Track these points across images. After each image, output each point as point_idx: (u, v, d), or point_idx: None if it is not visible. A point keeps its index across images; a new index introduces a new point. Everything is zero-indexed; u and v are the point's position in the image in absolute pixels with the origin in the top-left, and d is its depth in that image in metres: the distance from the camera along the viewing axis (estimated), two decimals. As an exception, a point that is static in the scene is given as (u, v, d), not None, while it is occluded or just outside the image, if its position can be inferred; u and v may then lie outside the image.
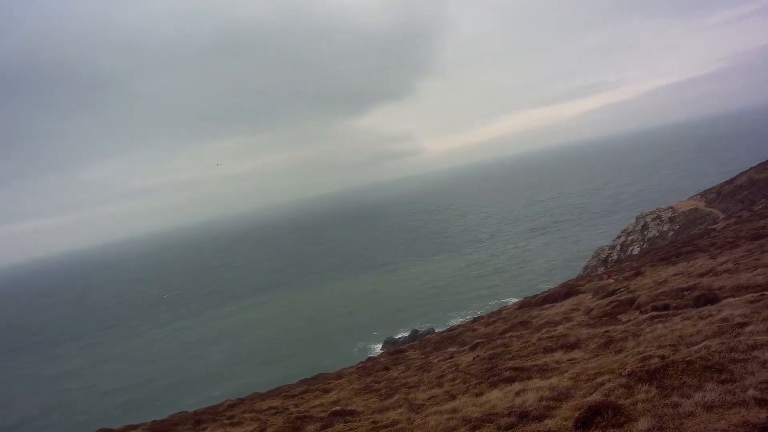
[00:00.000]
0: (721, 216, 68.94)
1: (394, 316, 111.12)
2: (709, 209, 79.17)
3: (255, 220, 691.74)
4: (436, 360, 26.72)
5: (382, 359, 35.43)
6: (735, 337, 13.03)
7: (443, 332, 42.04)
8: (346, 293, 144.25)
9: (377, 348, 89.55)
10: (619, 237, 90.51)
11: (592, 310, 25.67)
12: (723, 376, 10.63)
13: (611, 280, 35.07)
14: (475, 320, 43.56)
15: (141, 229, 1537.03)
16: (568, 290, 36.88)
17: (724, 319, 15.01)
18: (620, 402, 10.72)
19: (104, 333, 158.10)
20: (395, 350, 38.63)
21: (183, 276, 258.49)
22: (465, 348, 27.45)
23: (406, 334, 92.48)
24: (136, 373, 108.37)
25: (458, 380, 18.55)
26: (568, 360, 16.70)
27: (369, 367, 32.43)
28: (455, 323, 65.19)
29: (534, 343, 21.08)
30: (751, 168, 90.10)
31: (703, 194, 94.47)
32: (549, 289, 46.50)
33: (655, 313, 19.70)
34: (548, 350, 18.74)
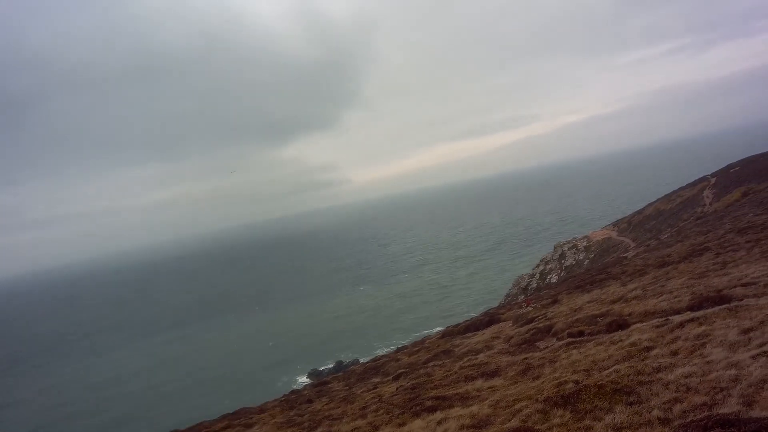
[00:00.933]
0: (632, 244, 72.18)
1: (319, 347, 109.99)
2: (621, 238, 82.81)
3: (174, 252, 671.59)
4: (359, 391, 26.63)
5: (305, 391, 34.97)
6: (642, 360, 13.69)
7: (367, 363, 41.94)
8: (269, 326, 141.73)
9: (302, 380, 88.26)
10: (538, 266, 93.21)
11: (512, 337, 26.28)
12: (631, 398, 11.14)
13: (530, 308, 36.05)
14: (399, 350, 43.70)
15: (49, 260, 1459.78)
16: (489, 318, 37.61)
17: (632, 344, 15.73)
18: (537, 427, 11.06)
19: (4, 375, 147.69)
20: (319, 382, 38.20)
21: (96, 310, 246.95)
22: (389, 378, 27.50)
23: (330, 366, 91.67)
24: (42, 417, 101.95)
25: (381, 411, 18.58)
26: (489, 388, 17.04)
27: (292, 400, 31.94)
28: (380, 353, 65.15)
29: (456, 372, 21.38)
30: (657, 199, 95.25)
31: (616, 224, 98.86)
32: (471, 318, 47.27)
33: (570, 339, 20.40)
34: (470, 378, 19.06)
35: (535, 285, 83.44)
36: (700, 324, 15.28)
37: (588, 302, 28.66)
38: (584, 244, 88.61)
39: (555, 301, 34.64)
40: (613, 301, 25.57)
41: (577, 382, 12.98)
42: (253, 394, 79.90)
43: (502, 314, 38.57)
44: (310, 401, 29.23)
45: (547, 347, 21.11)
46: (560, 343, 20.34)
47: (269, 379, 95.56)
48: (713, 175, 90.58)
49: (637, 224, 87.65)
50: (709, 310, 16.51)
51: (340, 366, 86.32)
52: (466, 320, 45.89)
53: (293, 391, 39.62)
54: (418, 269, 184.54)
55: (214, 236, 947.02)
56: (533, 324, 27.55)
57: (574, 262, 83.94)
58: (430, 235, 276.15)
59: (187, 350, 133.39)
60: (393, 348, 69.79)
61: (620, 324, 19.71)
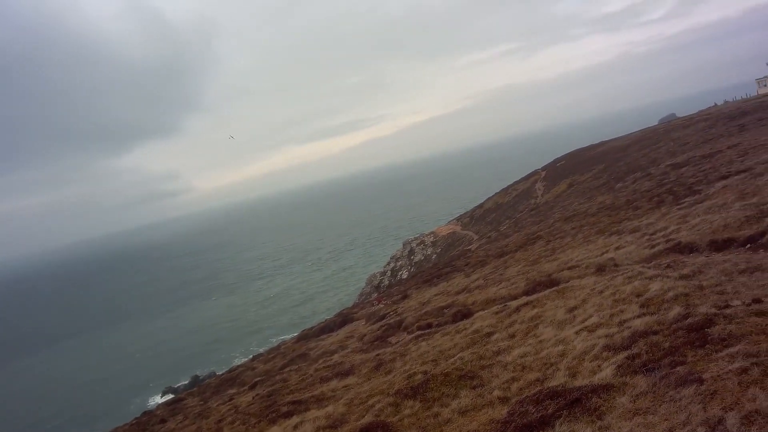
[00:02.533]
0: (475, 237, 76.14)
1: (174, 364, 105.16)
2: (465, 232, 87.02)
3: (4, 275, 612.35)
4: (215, 404, 25.93)
5: (158, 411, 33.42)
6: (484, 346, 14.57)
7: (223, 374, 40.89)
8: (118, 347, 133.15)
9: (155, 400, 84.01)
10: (389, 263, 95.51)
11: (365, 335, 26.82)
12: (474, 382, 11.84)
13: (382, 305, 36.96)
14: (255, 358, 43.03)
15: None
16: (343, 319, 38.09)
17: (475, 331, 16.68)
18: (389, 420, 11.42)
19: None
20: (173, 400, 36.66)
21: None
22: (245, 388, 27.04)
23: (186, 382, 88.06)
24: None
25: (237, 422, 18.26)
26: (343, 387, 17.30)
27: (144, 422, 30.43)
28: (237, 363, 63.73)
29: (312, 375, 21.48)
30: (496, 193, 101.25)
31: (459, 218, 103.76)
32: (326, 320, 47.57)
33: (420, 332, 21.21)
34: (325, 380, 19.23)
35: (387, 282, 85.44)
36: (534, 307, 16.53)
37: (435, 295, 29.91)
38: (431, 239, 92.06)
39: (405, 297, 35.78)
40: (458, 292, 26.90)
41: (425, 373, 13.56)
42: (103, 422, 74.81)
43: (356, 313, 39.22)
44: (163, 421, 28.01)
45: (398, 342, 21.79)
46: (410, 336, 21.09)
47: (120, 403, 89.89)
48: (543, 168, 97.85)
49: (479, 217, 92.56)
50: (541, 294, 17.90)
51: (196, 380, 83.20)
52: (321, 322, 46.12)
53: (146, 413, 37.67)
54: (274, 275, 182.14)
55: (51, 254, 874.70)
56: (385, 320, 28.31)
57: (422, 258, 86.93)
58: (284, 240, 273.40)
59: (24, 386, 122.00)
60: (250, 357, 68.46)
61: (465, 313, 20.80)
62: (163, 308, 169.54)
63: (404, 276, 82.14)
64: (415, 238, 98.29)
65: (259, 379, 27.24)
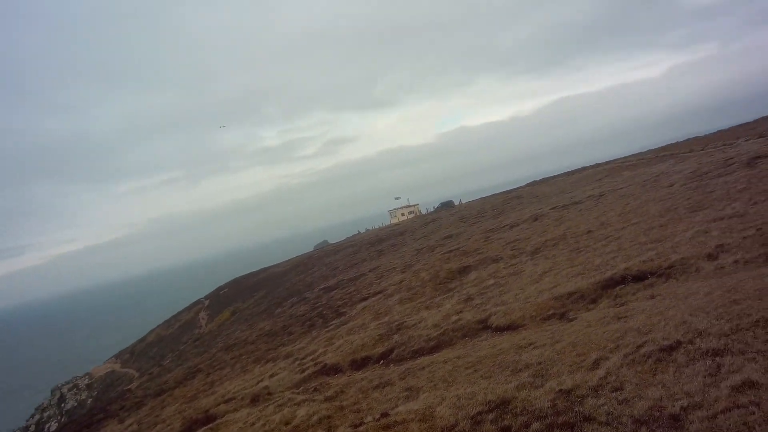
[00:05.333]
0: (136, 375, 71.11)
1: None
2: (125, 369, 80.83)
3: None
4: None
5: None
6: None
7: None
8: None
9: None
10: (33, 416, 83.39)
11: None
12: None
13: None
14: None
15: None
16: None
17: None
18: None
19: None
20: None
21: None
22: None
23: None
24: None
25: None
26: None
27: None
28: None
29: None
30: (158, 325, 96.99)
31: (119, 355, 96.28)
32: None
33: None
34: None
35: (31, 439, 74.11)
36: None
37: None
38: (86, 382, 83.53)
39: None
40: (109, 442, 24.51)
41: None
42: None
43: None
44: None
45: None
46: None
47: None
48: (207, 297, 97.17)
49: (140, 353, 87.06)
50: (196, 433, 17.30)
51: None
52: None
53: None
54: None
55: None
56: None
57: (76, 404, 77.93)
58: None
59: None
60: None
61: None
62: None
63: (53, 429, 72.23)
64: (67, 383, 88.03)
65: None
